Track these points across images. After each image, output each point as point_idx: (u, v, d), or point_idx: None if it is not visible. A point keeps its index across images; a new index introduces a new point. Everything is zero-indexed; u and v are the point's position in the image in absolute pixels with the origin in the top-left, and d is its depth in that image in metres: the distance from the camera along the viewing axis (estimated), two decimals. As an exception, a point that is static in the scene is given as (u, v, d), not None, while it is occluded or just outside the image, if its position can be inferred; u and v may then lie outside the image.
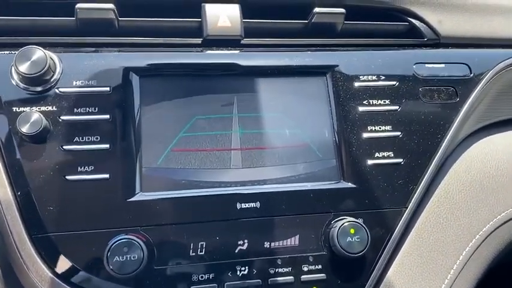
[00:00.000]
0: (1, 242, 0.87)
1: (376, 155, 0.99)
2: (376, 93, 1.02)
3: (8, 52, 0.94)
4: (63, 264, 0.86)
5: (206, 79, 1.00)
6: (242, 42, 1.04)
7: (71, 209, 0.87)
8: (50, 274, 0.85)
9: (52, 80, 0.92)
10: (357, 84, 1.02)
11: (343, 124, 1.00)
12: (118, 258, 0.83)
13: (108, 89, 0.94)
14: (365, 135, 0.99)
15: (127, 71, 0.96)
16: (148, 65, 0.98)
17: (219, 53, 1.04)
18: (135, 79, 0.96)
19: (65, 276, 0.85)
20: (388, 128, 1.00)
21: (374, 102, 1.02)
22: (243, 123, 0.99)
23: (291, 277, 0.92)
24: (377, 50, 1.09)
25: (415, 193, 0.98)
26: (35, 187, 0.87)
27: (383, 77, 1.04)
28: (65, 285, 0.85)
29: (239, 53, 1.04)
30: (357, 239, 0.91)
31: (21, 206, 0.86)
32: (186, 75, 0.99)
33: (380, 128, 1.00)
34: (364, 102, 1.02)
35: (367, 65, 1.05)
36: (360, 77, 1.03)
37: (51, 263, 0.85)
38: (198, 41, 1.06)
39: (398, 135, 1.00)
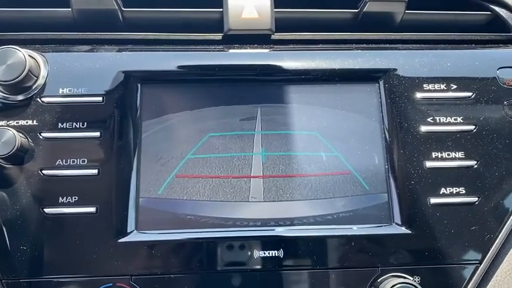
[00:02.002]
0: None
1: (442, 191, 0.78)
2: (445, 107, 0.82)
3: (-13, 51, 0.79)
4: (36, 319, 0.71)
5: (223, 86, 0.83)
6: (272, 37, 0.88)
7: (48, 250, 0.73)
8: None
9: (34, 86, 0.78)
10: (419, 94, 0.83)
11: (399, 148, 0.80)
12: (99, 319, 0.66)
13: (100, 99, 0.78)
14: (428, 164, 0.79)
15: (127, 76, 0.79)
16: (152, 68, 0.80)
17: (242, 53, 0.86)
18: (135, 86, 0.80)
19: (37, 335, 0.71)
20: (459, 155, 0.80)
21: (442, 120, 0.82)
22: (267, 143, 0.80)
23: None
24: (447, 49, 0.88)
25: (492, 244, 0.78)
26: (7, 220, 0.74)
27: (454, 86, 0.83)
28: None
29: (268, 52, 0.87)
30: (412, 306, 0.70)
31: (-9, 242, 0.72)
32: (199, 81, 0.82)
33: (449, 155, 0.80)
34: (429, 119, 0.81)
35: (434, 69, 0.85)
36: (424, 85, 0.83)
37: (20, 318, 0.71)
38: (218, 36, 0.88)
39: (473, 166, 0.80)
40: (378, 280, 0.74)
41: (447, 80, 0.83)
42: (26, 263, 0.72)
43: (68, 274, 0.72)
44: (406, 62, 0.84)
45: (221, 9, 0.87)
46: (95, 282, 0.72)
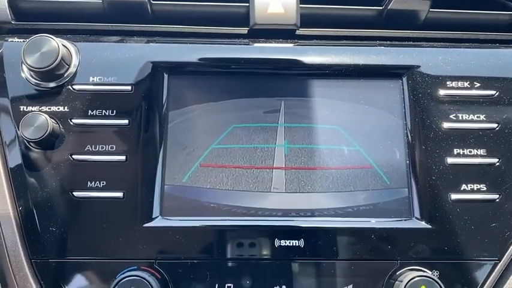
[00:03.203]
0: (-2, 263, 0.76)
1: (463, 187, 0.78)
2: (468, 105, 0.82)
3: (22, 40, 0.82)
4: (62, 297, 0.73)
5: (248, 79, 0.84)
6: (297, 33, 0.89)
7: (76, 232, 0.75)
8: (45, 307, 0.73)
9: (66, 74, 0.79)
10: (442, 91, 0.82)
11: (421, 143, 0.79)
12: (124, 300, 0.68)
13: (129, 88, 0.79)
14: (450, 160, 0.79)
15: (154, 66, 0.81)
16: (180, 59, 0.83)
17: (267, 47, 0.87)
18: (163, 77, 0.81)
19: (62, 312, 0.73)
20: (481, 152, 0.80)
21: (464, 117, 0.81)
22: (289, 135, 0.81)
23: None
24: (471, 48, 0.88)
25: None
26: (38, 203, 0.75)
27: (478, 84, 0.83)
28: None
29: (293, 47, 0.88)
30: (430, 299, 0.70)
31: (22, 223, 0.75)
32: (225, 73, 0.83)
33: (470, 152, 0.80)
34: (452, 116, 0.81)
35: (457, 67, 0.84)
36: (447, 82, 0.83)
37: (48, 294, 0.73)
38: (244, 30, 0.90)
39: (495, 163, 0.80)
40: (397, 273, 0.74)
41: (470, 78, 0.82)
42: (54, 244, 0.74)
43: (94, 256, 0.74)
44: (429, 59, 0.84)
45: (247, 4, 0.88)
46: (120, 265, 0.73)
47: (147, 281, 0.70)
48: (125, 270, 0.72)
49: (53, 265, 0.74)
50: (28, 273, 0.74)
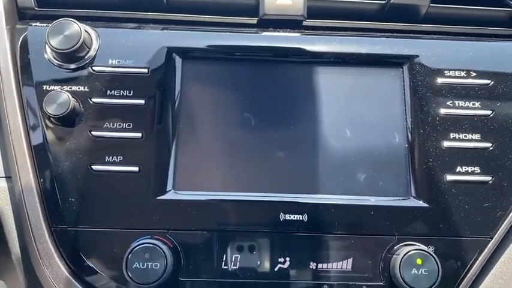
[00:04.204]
0: (19, 230, 0.80)
1: (458, 169, 0.82)
2: (464, 93, 0.86)
3: (45, 25, 0.86)
4: (80, 262, 0.78)
5: (257, 65, 0.88)
6: (304, 23, 0.93)
7: (94, 203, 0.79)
8: (65, 272, 0.78)
9: (87, 57, 0.84)
10: (440, 80, 0.87)
11: (419, 128, 0.84)
12: (138, 265, 0.73)
13: (146, 70, 0.84)
14: (446, 143, 0.83)
15: (169, 51, 0.85)
16: (193, 45, 0.87)
17: (275, 35, 0.91)
18: (177, 61, 0.86)
19: (81, 276, 0.78)
20: (476, 137, 0.84)
21: (461, 104, 0.86)
22: (295, 117, 0.85)
23: (339, 308, 0.77)
24: (469, 41, 0.92)
25: (504, 220, 0.82)
26: (58, 174, 0.80)
27: (474, 74, 0.87)
28: (78, 285, 0.77)
29: (300, 36, 0.92)
30: (425, 271, 0.75)
31: (43, 193, 0.79)
32: (235, 60, 0.88)
33: (466, 136, 0.84)
34: (448, 103, 0.85)
35: (455, 58, 0.88)
36: (445, 71, 0.87)
37: (67, 260, 0.78)
38: (253, 20, 0.94)
39: (489, 147, 0.84)
40: (394, 248, 0.79)
41: (467, 68, 0.86)
42: (73, 214, 0.78)
43: (110, 226, 0.78)
44: (428, 50, 0.88)
45: (257, -5, 0.93)
46: (134, 234, 0.77)
47: (160, 248, 0.74)
48: (140, 239, 0.77)
49: (71, 233, 0.78)
50: (48, 240, 0.78)
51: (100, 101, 0.82)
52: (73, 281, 0.77)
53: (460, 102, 0.85)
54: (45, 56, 0.84)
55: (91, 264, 0.77)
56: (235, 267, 0.78)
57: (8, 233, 0.82)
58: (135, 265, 0.73)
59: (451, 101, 0.85)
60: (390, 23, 0.95)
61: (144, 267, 0.73)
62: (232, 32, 0.90)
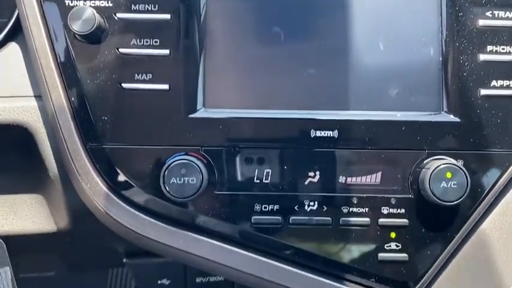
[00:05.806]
0: (55, 148, 0.82)
1: (493, 83, 0.80)
2: (505, 1, 0.82)
3: None
4: (117, 178, 0.80)
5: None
6: None
7: (126, 121, 0.80)
8: (103, 187, 0.80)
9: None
10: None
11: (455, 40, 0.81)
12: (175, 181, 0.75)
13: None
14: (482, 57, 0.81)
15: None
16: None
17: None
18: None
19: (118, 191, 0.80)
20: None
21: (500, 15, 0.81)
22: (327, 31, 0.82)
23: (367, 219, 0.80)
24: None
25: None
26: (88, 93, 0.80)
27: None
28: (116, 199, 0.80)
29: None
30: (454, 184, 0.76)
31: (75, 112, 0.80)
32: None
33: (504, 49, 0.81)
34: (487, 13, 0.81)
35: None
36: None
37: (105, 176, 0.80)
38: None
39: None
40: (424, 161, 0.80)
41: (509, -22, 0.82)
42: (107, 132, 0.79)
43: (144, 143, 0.79)
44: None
45: None
46: (169, 151, 0.79)
47: (196, 164, 0.76)
48: (175, 155, 0.78)
49: (106, 151, 0.80)
50: (85, 158, 0.80)
51: (125, 16, 0.80)
52: (112, 195, 0.80)
53: (500, 12, 0.81)
54: (67, -32, 0.80)
55: (128, 180, 0.80)
56: (267, 181, 0.80)
57: (43, 151, 0.84)
58: (172, 180, 0.75)
59: (490, 12, 0.81)
60: None
61: (181, 182, 0.75)
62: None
